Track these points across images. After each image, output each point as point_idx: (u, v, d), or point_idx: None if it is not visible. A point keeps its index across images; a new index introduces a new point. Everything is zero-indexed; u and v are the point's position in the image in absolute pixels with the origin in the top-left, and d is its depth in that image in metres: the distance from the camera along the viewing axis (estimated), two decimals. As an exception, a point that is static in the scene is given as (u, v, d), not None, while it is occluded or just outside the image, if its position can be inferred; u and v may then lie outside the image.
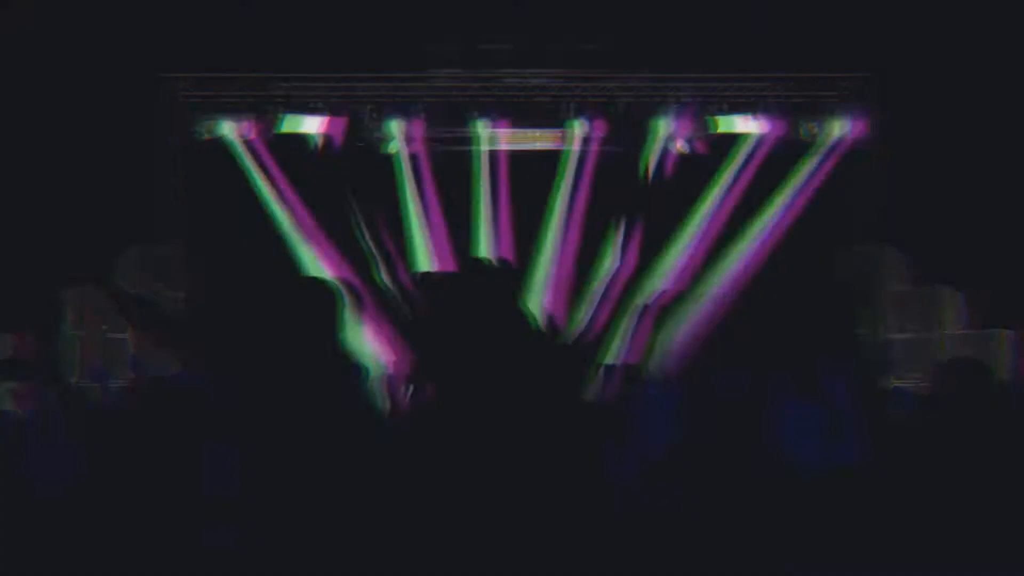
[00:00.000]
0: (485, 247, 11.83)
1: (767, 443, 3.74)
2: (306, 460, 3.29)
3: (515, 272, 3.08)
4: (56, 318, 3.96)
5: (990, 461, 3.62)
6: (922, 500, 3.61)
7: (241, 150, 11.82)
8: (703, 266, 11.90)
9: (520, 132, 11.96)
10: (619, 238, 3.05)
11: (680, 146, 12.08)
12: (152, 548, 3.47)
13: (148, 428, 3.66)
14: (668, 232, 11.96)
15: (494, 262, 3.06)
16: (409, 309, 3.04)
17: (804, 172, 12.09)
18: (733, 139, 12.24)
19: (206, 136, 11.51)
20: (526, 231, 12.00)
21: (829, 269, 11.91)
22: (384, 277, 3.09)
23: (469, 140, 12.22)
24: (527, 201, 12.00)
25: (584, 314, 3.06)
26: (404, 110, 11.80)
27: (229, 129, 11.83)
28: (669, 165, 12.15)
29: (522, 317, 2.98)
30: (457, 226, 11.96)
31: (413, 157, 12.17)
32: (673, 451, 3.88)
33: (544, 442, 2.86)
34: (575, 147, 12.20)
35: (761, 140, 12.13)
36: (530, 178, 12.02)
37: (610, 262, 3.05)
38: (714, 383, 5.99)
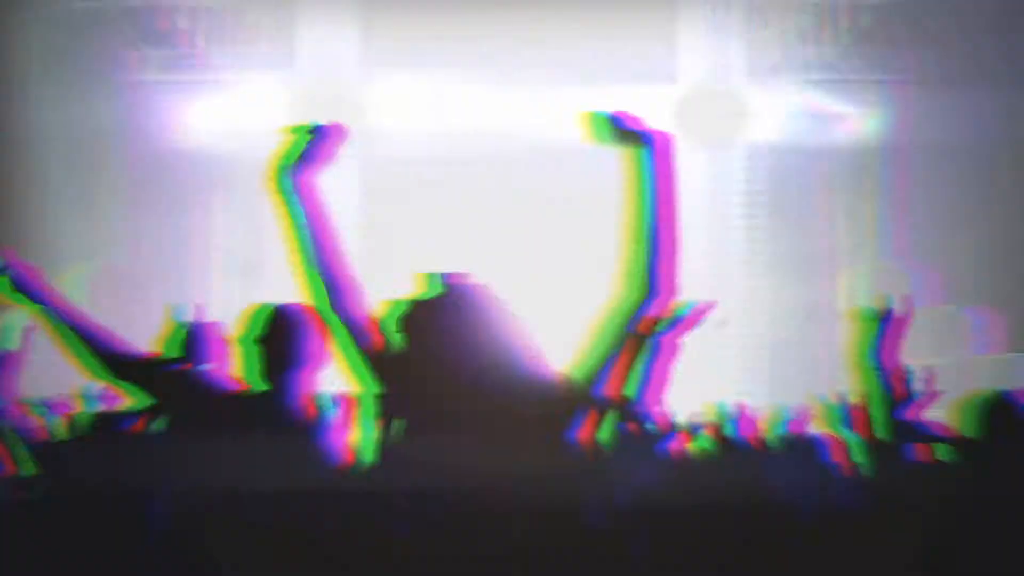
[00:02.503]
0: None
1: (762, 482, 3.69)
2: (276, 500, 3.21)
3: (496, 294, 2.90)
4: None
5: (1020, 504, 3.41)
6: (942, 551, 3.38)
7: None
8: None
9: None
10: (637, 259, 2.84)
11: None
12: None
13: (94, 466, 3.48)
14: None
15: (474, 282, 2.88)
16: (379, 339, 2.86)
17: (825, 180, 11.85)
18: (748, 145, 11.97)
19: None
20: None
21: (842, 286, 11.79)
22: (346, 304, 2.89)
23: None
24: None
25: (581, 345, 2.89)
26: None
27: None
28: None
29: (505, 346, 2.83)
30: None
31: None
32: (657, 491, 3.68)
33: (526, 481, 2.73)
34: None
35: (778, 146, 11.87)
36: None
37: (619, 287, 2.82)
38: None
